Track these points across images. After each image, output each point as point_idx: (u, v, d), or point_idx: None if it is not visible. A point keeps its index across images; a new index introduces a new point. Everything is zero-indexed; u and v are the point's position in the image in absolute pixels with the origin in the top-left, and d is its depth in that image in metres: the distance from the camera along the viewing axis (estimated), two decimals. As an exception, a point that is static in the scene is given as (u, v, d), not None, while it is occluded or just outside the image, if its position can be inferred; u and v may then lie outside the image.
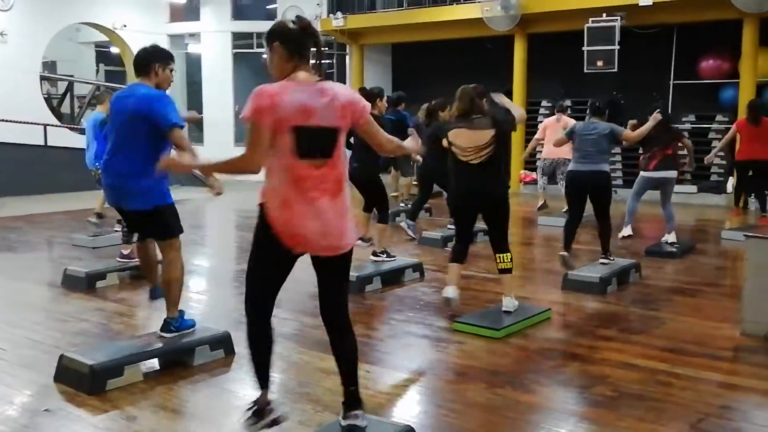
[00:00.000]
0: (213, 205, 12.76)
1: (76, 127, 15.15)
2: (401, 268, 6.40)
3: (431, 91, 9.49)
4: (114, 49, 18.55)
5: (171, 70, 4.28)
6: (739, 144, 8.84)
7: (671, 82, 13.23)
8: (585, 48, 12.29)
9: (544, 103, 14.31)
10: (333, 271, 3.02)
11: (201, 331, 4.34)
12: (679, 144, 7.91)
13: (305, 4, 15.24)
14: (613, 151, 9.67)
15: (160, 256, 4.36)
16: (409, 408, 3.69)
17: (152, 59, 4.21)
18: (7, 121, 12.73)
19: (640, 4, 11.70)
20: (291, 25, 2.93)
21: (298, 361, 4.30)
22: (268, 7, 17.28)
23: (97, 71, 20.73)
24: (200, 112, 13.65)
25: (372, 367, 4.13)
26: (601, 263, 6.37)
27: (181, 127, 4.13)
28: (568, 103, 10.52)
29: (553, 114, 10.48)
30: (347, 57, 16.19)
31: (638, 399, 3.69)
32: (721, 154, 9.96)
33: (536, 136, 10.18)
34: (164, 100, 4.12)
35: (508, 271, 5.06)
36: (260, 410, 2.96)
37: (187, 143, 4.18)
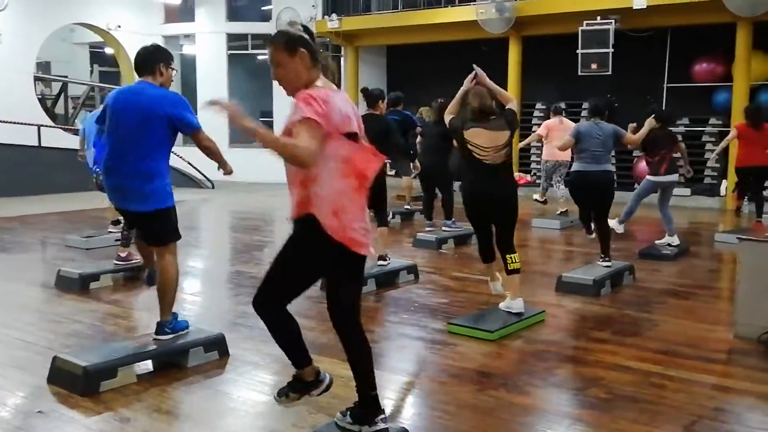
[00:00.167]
0: (207, 207, 12.75)
1: (70, 127, 15.12)
2: (396, 270, 6.40)
3: (426, 93, 9.50)
4: (108, 50, 18.50)
5: (173, 70, 4.28)
6: (738, 149, 8.81)
7: (665, 85, 13.28)
8: (579, 51, 12.34)
9: (538, 105, 14.37)
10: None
11: (195, 333, 4.33)
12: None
13: (300, 5, 15.27)
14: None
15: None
16: (403, 410, 3.68)
17: (157, 58, 4.18)
18: (0, 121, 12.68)
19: (634, 8, 11.76)
20: (301, 31, 2.92)
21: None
22: (263, 8, 17.30)
23: (92, 72, 20.67)
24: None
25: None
26: (602, 265, 6.33)
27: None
28: (562, 105, 10.54)
29: (549, 116, 10.48)
30: (342, 59, 16.20)
31: (632, 401, 3.70)
32: (717, 156, 9.98)
33: (538, 132, 10.13)
34: (183, 103, 4.12)
35: (518, 271, 5.07)
36: (311, 382, 3.07)
37: (214, 145, 4.21)
